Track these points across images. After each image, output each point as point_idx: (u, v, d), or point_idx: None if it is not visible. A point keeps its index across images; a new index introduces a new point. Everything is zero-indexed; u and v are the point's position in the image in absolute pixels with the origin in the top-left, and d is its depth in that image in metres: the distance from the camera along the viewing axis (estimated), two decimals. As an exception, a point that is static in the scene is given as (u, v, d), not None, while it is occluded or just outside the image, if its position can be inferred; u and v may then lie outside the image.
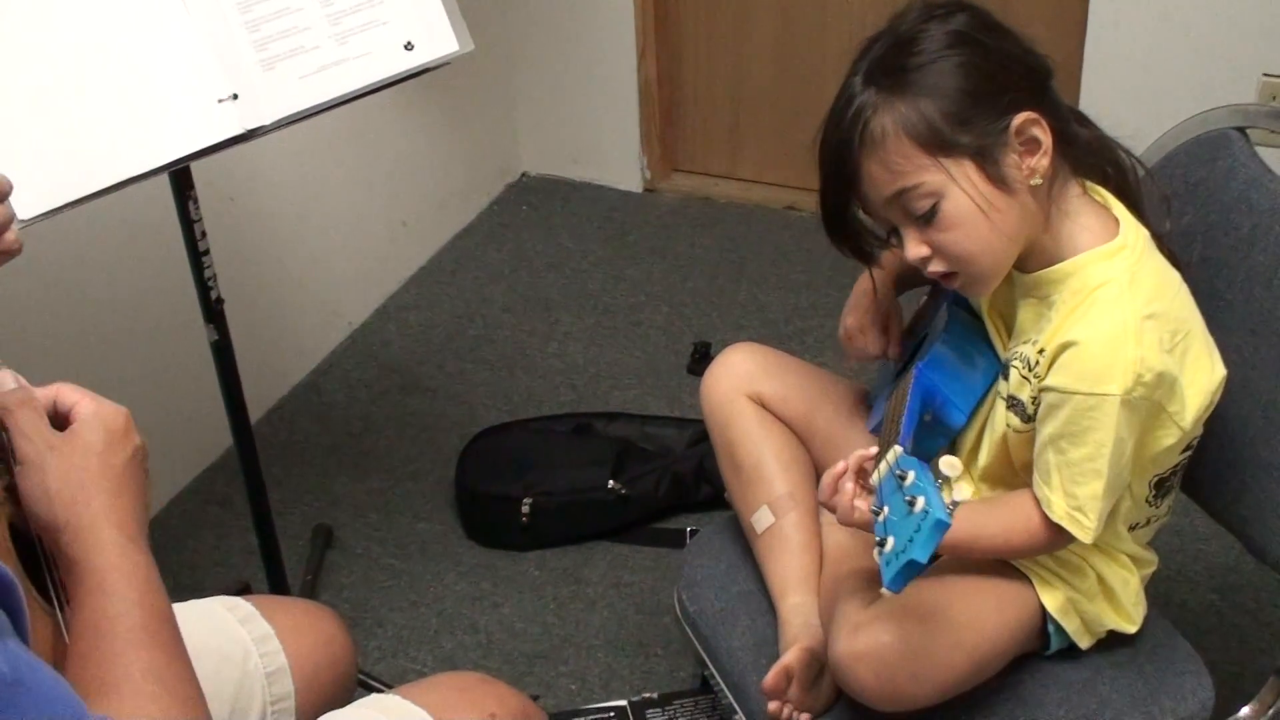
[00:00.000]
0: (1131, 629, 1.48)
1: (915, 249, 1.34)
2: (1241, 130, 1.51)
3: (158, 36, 1.53)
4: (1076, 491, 1.33)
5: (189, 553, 2.31)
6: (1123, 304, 1.31)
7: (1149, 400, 1.31)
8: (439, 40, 1.63)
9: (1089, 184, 1.39)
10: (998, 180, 1.31)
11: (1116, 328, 1.30)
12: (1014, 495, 1.41)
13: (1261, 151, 1.51)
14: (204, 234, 1.76)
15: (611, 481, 2.30)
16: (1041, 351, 1.35)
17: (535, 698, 1.96)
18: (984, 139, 1.30)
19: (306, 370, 2.75)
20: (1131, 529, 1.46)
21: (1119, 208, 1.38)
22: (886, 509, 1.21)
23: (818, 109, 1.38)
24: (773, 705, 1.45)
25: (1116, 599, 1.46)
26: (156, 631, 1.00)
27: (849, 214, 1.39)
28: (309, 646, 1.34)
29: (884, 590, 1.18)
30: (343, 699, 1.35)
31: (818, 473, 1.61)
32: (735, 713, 1.58)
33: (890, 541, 1.18)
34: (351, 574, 2.28)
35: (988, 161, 1.30)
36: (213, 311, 1.80)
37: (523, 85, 3.29)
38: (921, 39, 1.32)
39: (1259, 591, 2.12)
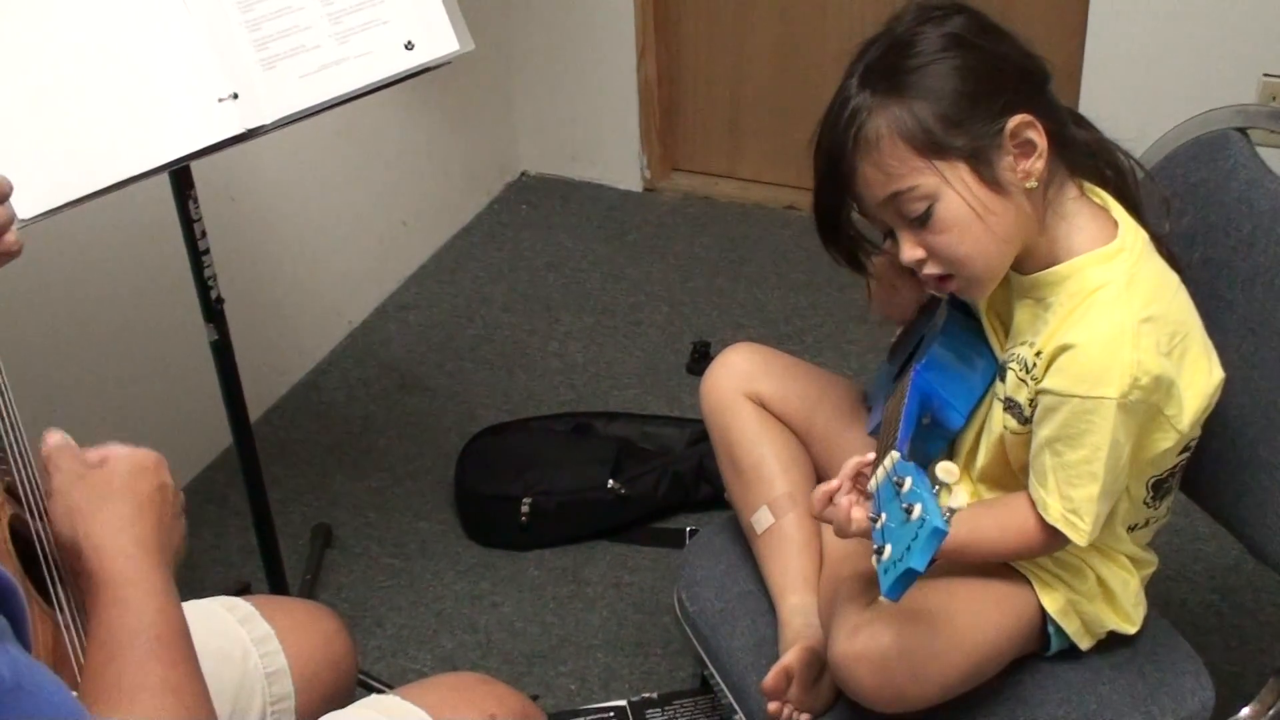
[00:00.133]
0: (1131, 630, 1.48)
1: (910, 251, 1.34)
2: (1242, 131, 1.51)
3: (158, 36, 1.53)
4: (1072, 494, 1.33)
5: (188, 552, 2.30)
6: (1120, 307, 1.31)
7: (1146, 403, 1.31)
8: (439, 39, 1.62)
9: (1088, 186, 1.39)
10: (992, 183, 1.31)
11: (1114, 331, 1.30)
12: (1010, 497, 1.41)
13: (1262, 152, 1.51)
14: (204, 233, 1.76)
15: (611, 481, 2.30)
16: (1039, 354, 1.35)
17: (535, 698, 1.96)
18: (978, 142, 1.30)
19: (306, 369, 2.75)
20: (1130, 530, 1.46)
21: (1118, 210, 1.38)
22: (884, 516, 1.21)
23: (817, 108, 1.38)
24: (772, 705, 1.45)
25: (1116, 600, 1.46)
26: (174, 646, 1.02)
27: (843, 216, 1.39)
28: (309, 647, 1.34)
29: (882, 598, 1.18)
30: (343, 699, 1.35)
31: (818, 472, 1.62)
32: (735, 713, 1.58)
33: (888, 549, 1.18)
34: (351, 573, 2.28)
35: (982, 164, 1.30)
36: (213, 311, 1.80)
37: (522, 84, 3.29)
38: (917, 42, 1.32)
39: (1259, 592, 2.12)
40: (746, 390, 1.64)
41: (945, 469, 1.19)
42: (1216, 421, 1.42)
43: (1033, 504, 1.37)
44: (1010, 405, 1.39)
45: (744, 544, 1.65)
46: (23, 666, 0.77)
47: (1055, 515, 1.35)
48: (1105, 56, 2.72)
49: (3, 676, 0.75)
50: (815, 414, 1.63)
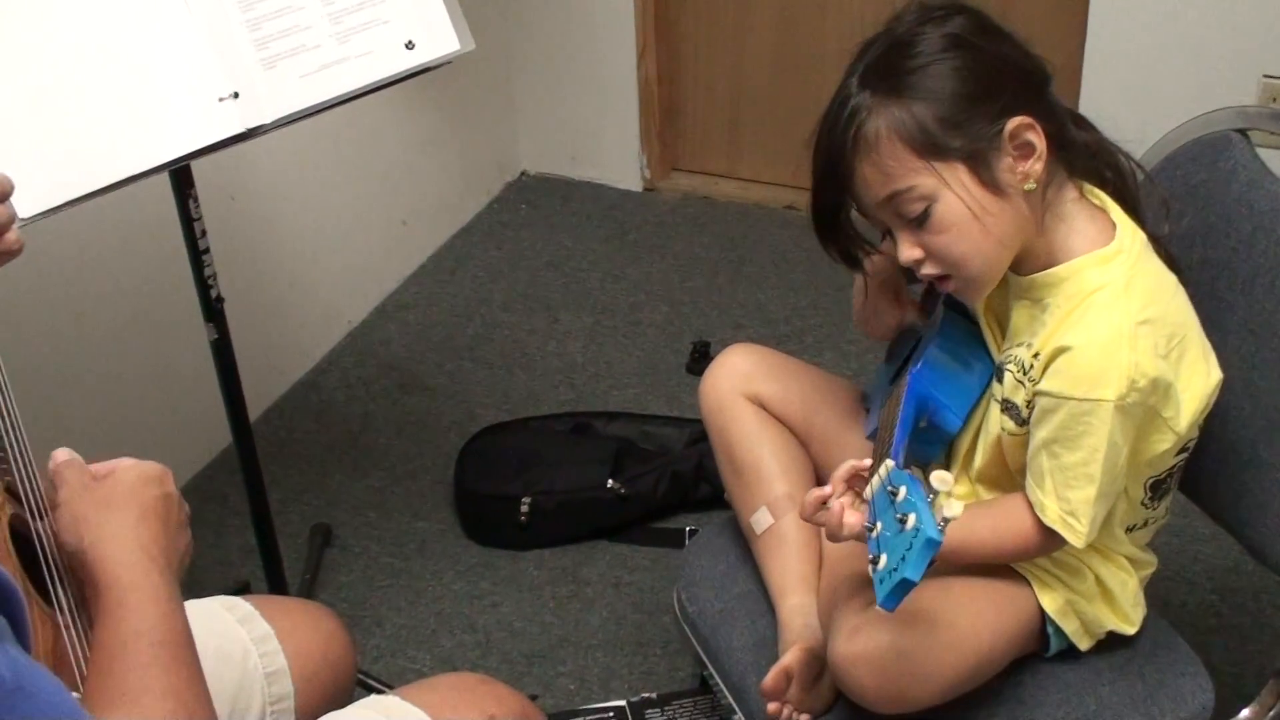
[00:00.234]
0: (1130, 630, 1.48)
1: (908, 252, 1.34)
2: (1242, 132, 1.51)
3: (158, 35, 1.53)
4: (1069, 495, 1.33)
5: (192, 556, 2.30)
6: (1118, 309, 1.31)
7: (1143, 405, 1.31)
8: (440, 39, 1.62)
9: (1087, 187, 1.39)
10: (991, 184, 1.31)
11: (1111, 333, 1.30)
12: (1007, 499, 1.41)
13: (1262, 153, 1.51)
14: (204, 232, 1.76)
15: (611, 481, 2.30)
16: (1036, 355, 1.35)
17: (534, 698, 1.96)
18: (977, 143, 1.30)
19: (306, 369, 2.75)
20: (1129, 531, 1.46)
21: (1116, 211, 1.38)
22: (879, 525, 1.21)
23: (817, 108, 1.38)
24: (772, 706, 1.45)
25: (1115, 600, 1.46)
26: (177, 651, 1.02)
27: (841, 216, 1.39)
28: (308, 647, 1.34)
29: (878, 608, 1.18)
30: (342, 699, 1.35)
31: (817, 473, 1.62)
32: (734, 713, 1.58)
33: (883, 559, 1.18)
34: (350, 573, 2.28)
35: (981, 165, 1.30)
36: (213, 310, 1.80)
37: (522, 84, 3.29)
38: (917, 42, 1.32)
39: (1259, 593, 2.12)
40: (746, 391, 1.64)
41: (940, 478, 1.19)
42: (1216, 423, 1.42)
43: (1030, 505, 1.37)
44: (1007, 407, 1.39)
45: (743, 544, 1.65)
46: (22, 668, 0.77)
47: (1052, 517, 1.35)
48: (1105, 57, 2.72)
49: (2, 678, 0.74)
50: (814, 415, 1.63)
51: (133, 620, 1.01)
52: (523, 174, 3.40)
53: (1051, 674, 1.47)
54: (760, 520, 1.60)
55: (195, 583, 2.16)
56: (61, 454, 1.12)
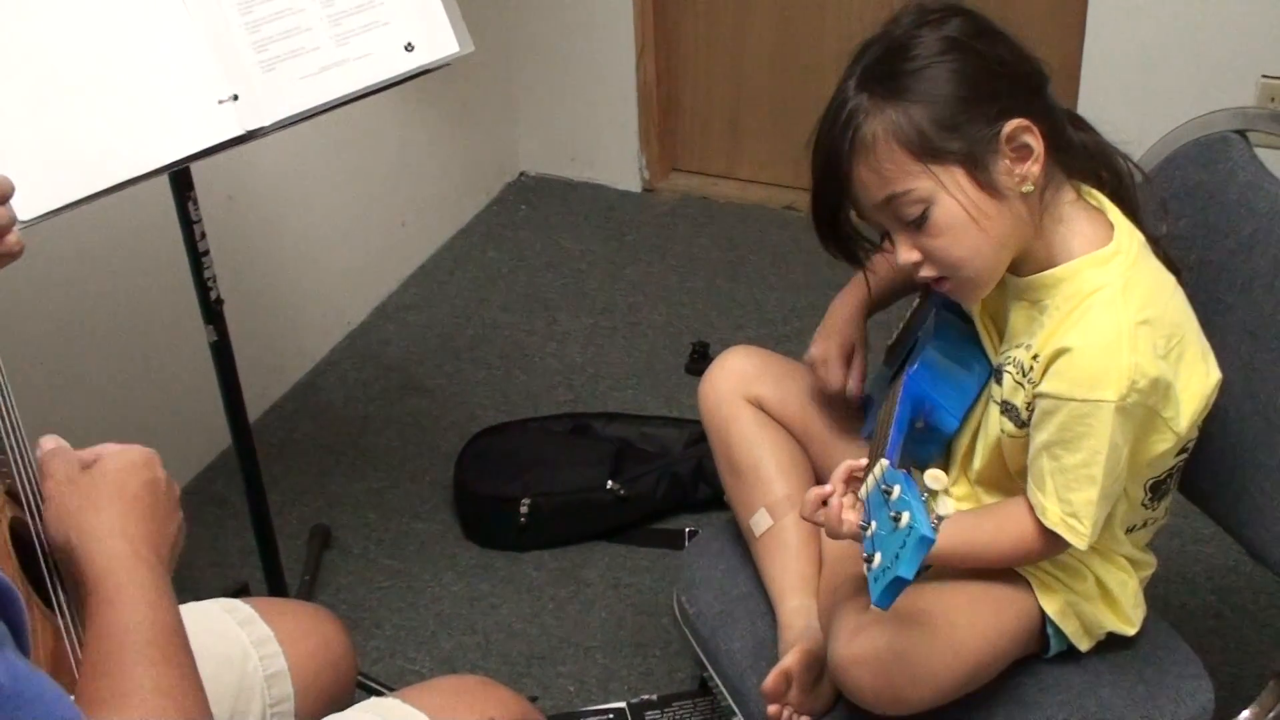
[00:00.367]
0: (1130, 631, 1.48)
1: (906, 254, 1.34)
2: (1241, 133, 1.51)
3: (158, 37, 1.53)
4: (1071, 498, 1.33)
5: (187, 552, 2.28)
6: (1116, 310, 1.31)
7: (1144, 406, 1.31)
8: (439, 41, 1.62)
9: (1085, 188, 1.39)
10: (988, 187, 1.31)
11: (1110, 334, 1.30)
12: (1008, 502, 1.41)
13: (1261, 154, 1.51)
14: (203, 234, 1.76)
15: (610, 482, 2.30)
16: (1035, 357, 1.35)
17: (534, 699, 1.96)
18: (974, 146, 1.30)
19: (305, 370, 2.75)
20: (1129, 531, 1.46)
21: (1114, 212, 1.38)
22: (874, 524, 1.21)
23: (816, 108, 1.38)
24: (772, 708, 1.45)
25: (1115, 601, 1.46)
26: (167, 646, 1.01)
27: (840, 217, 1.39)
28: (309, 649, 1.34)
29: (873, 607, 1.18)
30: (342, 702, 1.35)
31: (816, 475, 1.62)
32: (734, 715, 1.58)
33: (877, 557, 1.18)
34: (349, 574, 2.28)
35: (978, 168, 1.30)
36: (212, 312, 1.80)
37: (521, 85, 3.29)
38: (915, 45, 1.32)
39: (1259, 594, 2.12)
40: (745, 393, 1.64)
41: (934, 476, 1.19)
42: (1216, 424, 1.42)
43: (1031, 508, 1.37)
44: (1007, 408, 1.39)
45: (743, 546, 1.65)
46: (22, 673, 0.77)
47: (1054, 519, 1.35)
48: (1104, 58, 2.72)
49: (1, 683, 0.74)
50: (814, 417, 1.63)
51: (122, 619, 1.00)
52: (522, 175, 3.40)
53: (1051, 675, 1.47)
54: (760, 522, 1.60)
55: (194, 584, 2.18)
56: (48, 442, 1.11)
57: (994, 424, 1.42)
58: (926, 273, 1.36)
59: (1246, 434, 1.42)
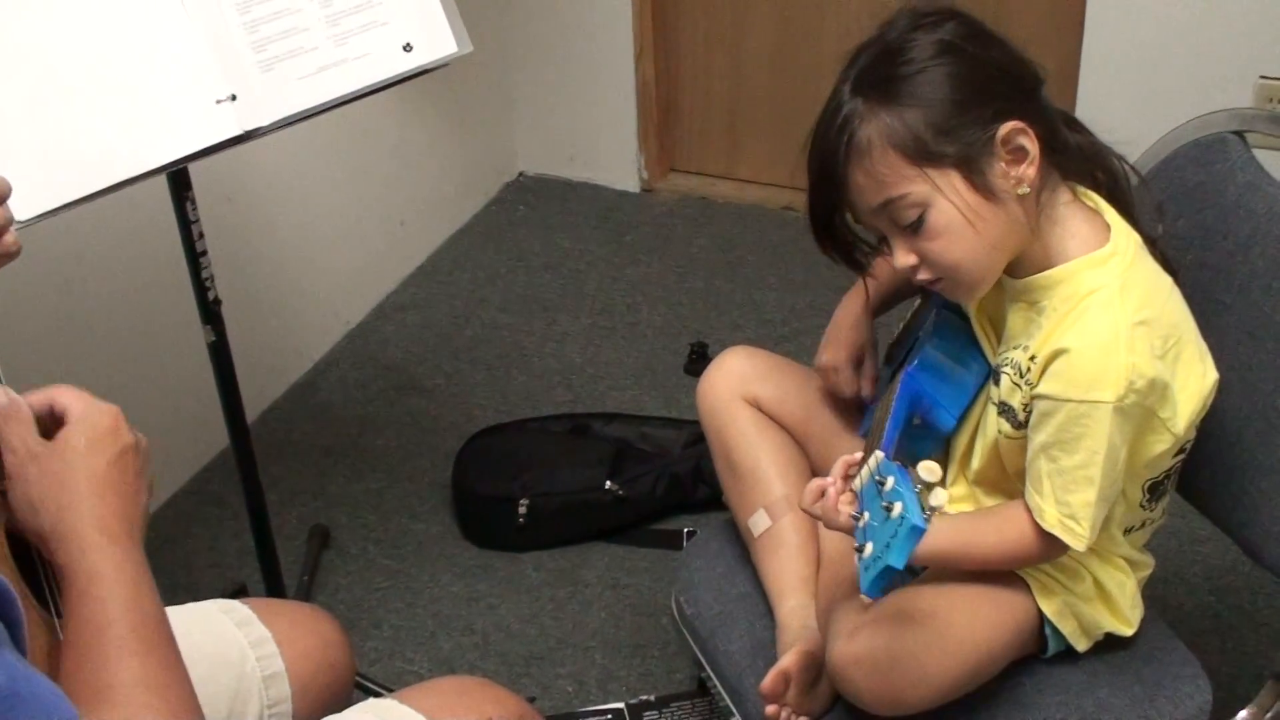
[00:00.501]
0: (1128, 632, 1.48)
1: (903, 257, 1.35)
2: (1239, 134, 1.51)
3: (156, 37, 1.53)
4: (1069, 499, 1.33)
5: (185, 553, 2.30)
6: (1113, 311, 1.31)
7: (1141, 406, 1.31)
8: (438, 41, 1.62)
9: (1081, 190, 1.39)
10: (984, 190, 1.31)
11: (1108, 335, 1.30)
12: (1006, 505, 1.41)
13: (1259, 155, 1.51)
14: (201, 234, 1.76)
15: (608, 482, 2.30)
16: (1033, 358, 1.35)
17: (532, 700, 1.96)
18: (970, 149, 1.30)
19: (303, 370, 2.75)
20: (1127, 532, 1.46)
21: (1111, 213, 1.38)
22: (867, 515, 1.22)
23: (815, 109, 1.38)
24: (770, 709, 1.45)
25: (1113, 602, 1.46)
26: (148, 637, 0.99)
27: (836, 221, 1.39)
28: (306, 650, 1.34)
29: (863, 595, 1.19)
30: (340, 702, 1.35)
31: (814, 475, 1.61)
32: (732, 715, 1.58)
33: (868, 547, 1.19)
34: (348, 575, 2.28)
35: (974, 171, 1.30)
36: (210, 312, 1.80)
37: (520, 85, 3.29)
38: (909, 49, 1.32)
39: (1256, 594, 2.12)
40: (744, 393, 1.64)
41: (927, 468, 1.19)
42: (1214, 424, 1.42)
43: (1029, 511, 1.37)
44: (1004, 409, 1.39)
45: (741, 546, 1.65)
46: (19, 673, 0.77)
47: (1052, 521, 1.35)
48: (1102, 59, 2.72)
49: (-1, 683, 0.74)
50: (812, 417, 1.63)
51: (100, 610, 0.98)
52: (521, 175, 3.40)
53: (1049, 675, 1.47)
54: (758, 522, 1.60)
55: (191, 585, 2.18)
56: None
57: (992, 425, 1.42)
58: (924, 276, 1.36)
59: (1244, 434, 1.42)
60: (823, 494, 1.35)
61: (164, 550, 2.26)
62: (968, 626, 1.40)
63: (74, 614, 0.99)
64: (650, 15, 3.11)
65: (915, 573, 1.47)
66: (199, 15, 1.54)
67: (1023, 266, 1.37)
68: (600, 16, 3.13)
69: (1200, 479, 1.48)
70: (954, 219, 1.31)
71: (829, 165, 1.33)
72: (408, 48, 1.61)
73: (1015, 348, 1.38)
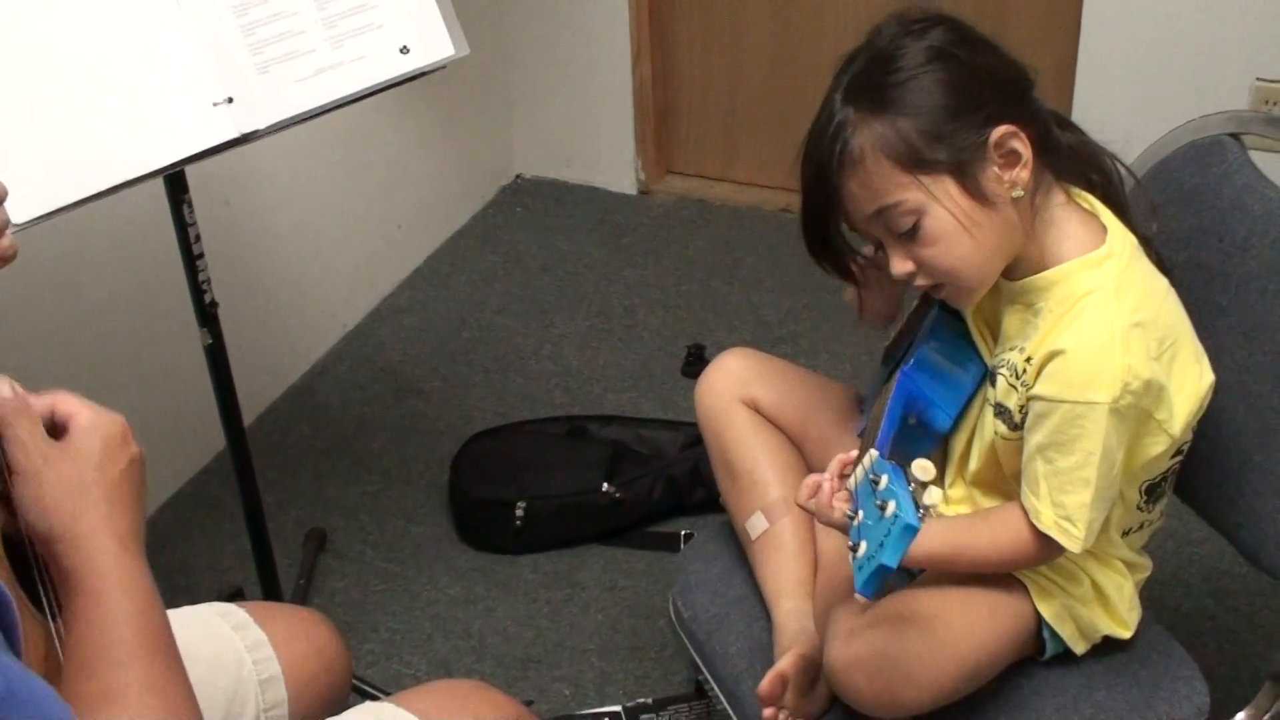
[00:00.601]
0: (1126, 634, 1.48)
1: (899, 265, 1.35)
2: (1235, 136, 1.52)
3: (153, 40, 1.53)
4: (1064, 500, 1.33)
5: (181, 556, 2.30)
6: (1109, 312, 1.31)
7: (1137, 408, 1.31)
8: (435, 44, 1.62)
9: (1075, 190, 1.39)
10: (978, 195, 1.31)
11: (1103, 336, 1.30)
12: (1002, 507, 1.41)
13: (1255, 157, 1.51)
14: (198, 237, 1.76)
15: (606, 485, 2.30)
16: (1029, 360, 1.35)
17: (529, 703, 1.96)
18: (962, 155, 1.30)
19: (300, 372, 2.75)
20: (1124, 534, 1.46)
21: (1106, 214, 1.38)
22: (861, 514, 1.22)
23: (812, 111, 1.38)
24: (768, 711, 1.45)
25: (1111, 604, 1.46)
26: (153, 644, 0.99)
27: (830, 230, 1.39)
28: (303, 654, 1.34)
29: (857, 595, 1.19)
30: (337, 706, 1.35)
31: (811, 477, 1.62)
32: (730, 718, 1.58)
33: (863, 546, 1.19)
34: (344, 578, 2.28)
35: (967, 177, 1.30)
36: (207, 315, 1.80)
37: (517, 87, 3.29)
38: (899, 56, 1.32)
39: (1254, 596, 2.12)
40: (741, 395, 1.64)
41: (921, 466, 1.19)
42: (1211, 426, 1.42)
43: (1025, 513, 1.37)
44: (1000, 411, 1.39)
45: (739, 549, 1.65)
46: (16, 675, 0.77)
47: (1047, 522, 1.35)
48: (1099, 61, 2.72)
49: (-4, 687, 0.74)
50: (810, 419, 1.63)
51: (109, 615, 0.98)
52: (518, 177, 3.40)
53: (1047, 678, 1.47)
54: (755, 525, 1.60)
55: (188, 588, 2.17)
56: (4, 386, 1.02)
57: (989, 426, 1.42)
58: (921, 282, 1.37)
59: (1241, 436, 1.42)
60: (818, 489, 1.35)
61: (160, 553, 2.25)
62: (965, 629, 1.40)
63: (81, 618, 0.99)
64: (647, 17, 3.11)
65: (912, 575, 1.47)
66: (196, 18, 1.54)
67: (1018, 268, 1.37)
68: (597, 19, 3.14)
69: (1197, 481, 1.48)
70: (949, 225, 1.31)
71: (822, 175, 1.33)
72: (404, 50, 1.61)
73: (1011, 349, 1.38)
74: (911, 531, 1.14)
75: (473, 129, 3.23)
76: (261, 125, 1.56)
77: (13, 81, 1.46)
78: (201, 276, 1.77)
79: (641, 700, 2.00)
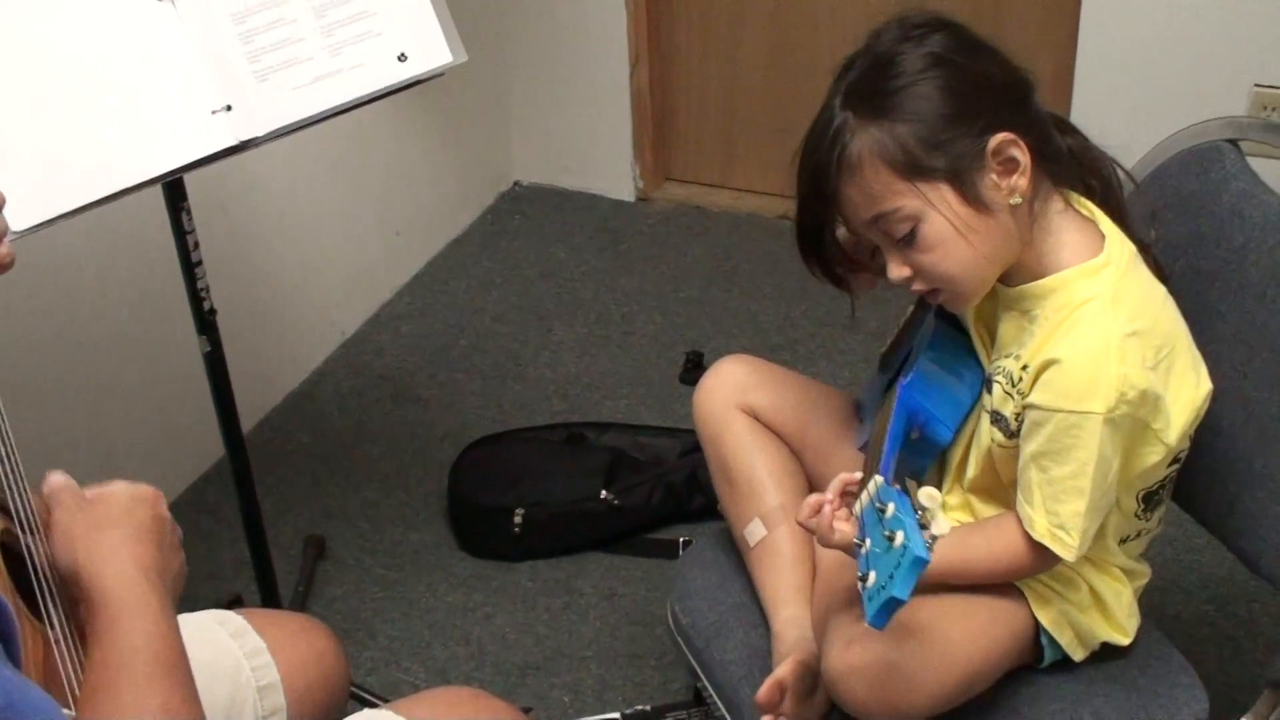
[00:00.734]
0: (1125, 641, 1.48)
1: (896, 270, 1.35)
2: (1233, 142, 1.52)
3: (151, 48, 1.53)
4: (1059, 509, 1.33)
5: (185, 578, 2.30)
6: (1105, 321, 1.31)
7: (1133, 418, 1.31)
8: (432, 51, 1.62)
9: (1075, 197, 1.39)
10: (976, 202, 1.31)
11: (1099, 346, 1.30)
12: (998, 517, 1.42)
13: (1253, 163, 1.51)
14: (197, 244, 1.76)
15: (604, 492, 2.30)
16: (1025, 368, 1.35)
17: (528, 710, 1.96)
18: (960, 162, 1.30)
19: (299, 380, 2.75)
20: (1122, 542, 1.46)
21: (1105, 221, 1.38)
22: (868, 542, 1.21)
23: (811, 118, 1.38)
24: (766, 718, 1.45)
25: (1109, 611, 1.46)
26: (170, 668, 1.02)
27: (824, 235, 1.40)
28: (301, 661, 1.34)
29: (867, 625, 1.18)
30: (335, 714, 1.35)
31: (810, 484, 1.61)
32: (728, 725, 1.58)
33: (872, 576, 1.18)
34: (343, 585, 2.27)
35: (965, 184, 1.30)
36: (205, 322, 1.80)
37: (515, 94, 3.29)
38: (898, 61, 1.32)
39: (1253, 603, 2.12)
40: (739, 402, 1.64)
41: (928, 494, 1.19)
42: (1209, 433, 1.42)
43: (1020, 522, 1.37)
44: (996, 419, 1.39)
45: (737, 556, 1.65)
46: (14, 685, 0.77)
47: (1042, 531, 1.34)
48: (1097, 66, 2.73)
49: (-6, 696, 0.75)
50: (808, 426, 1.63)
51: (128, 637, 1.01)
52: (516, 184, 3.40)
53: (1046, 685, 1.47)
54: (754, 532, 1.59)
55: (187, 596, 2.15)
56: (56, 478, 1.11)
57: (986, 434, 1.42)
58: (918, 287, 1.37)
59: (1239, 443, 1.42)
60: (819, 510, 1.35)
61: (159, 561, 2.25)
62: (964, 636, 1.40)
63: (100, 640, 1.02)
64: (645, 24, 3.12)
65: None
66: (194, 26, 1.54)
67: (1016, 275, 1.37)
68: (595, 26, 3.14)
69: (1196, 488, 1.48)
70: (946, 232, 1.31)
71: (820, 179, 1.33)
72: (402, 58, 1.61)
73: (1007, 356, 1.38)
74: (922, 564, 1.14)
75: (471, 136, 3.23)
76: (260, 133, 1.56)
77: (12, 90, 1.46)
78: (200, 284, 1.77)
79: (640, 707, 2.00)
